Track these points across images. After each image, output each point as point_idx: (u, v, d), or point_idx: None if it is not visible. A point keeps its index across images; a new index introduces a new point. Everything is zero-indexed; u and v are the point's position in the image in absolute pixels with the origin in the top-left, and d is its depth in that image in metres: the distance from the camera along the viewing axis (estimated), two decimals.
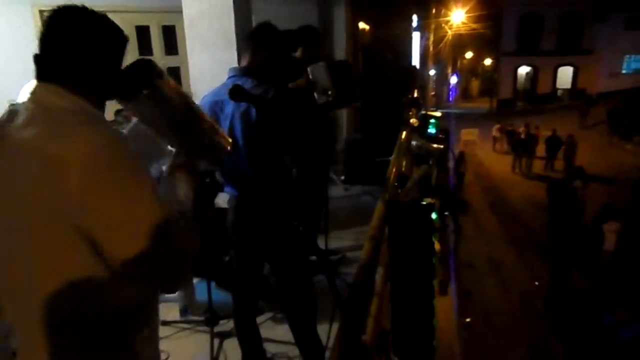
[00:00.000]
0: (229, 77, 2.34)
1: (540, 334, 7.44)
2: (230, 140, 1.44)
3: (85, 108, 1.12)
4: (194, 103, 1.36)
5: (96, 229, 1.02)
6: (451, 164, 13.25)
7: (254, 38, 2.42)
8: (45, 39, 1.14)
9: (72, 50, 1.14)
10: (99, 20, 1.19)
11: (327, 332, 2.20)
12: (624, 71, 31.16)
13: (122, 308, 1.13)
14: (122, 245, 1.03)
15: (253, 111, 2.18)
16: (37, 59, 1.14)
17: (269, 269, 2.61)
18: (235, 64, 3.94)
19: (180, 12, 4.02)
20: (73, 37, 1.14)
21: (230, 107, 2.26)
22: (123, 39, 1.25)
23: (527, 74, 33.37)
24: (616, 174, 14.72)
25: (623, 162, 16.60)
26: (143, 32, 5.79)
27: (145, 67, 1.22)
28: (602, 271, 8.46)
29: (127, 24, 5.49)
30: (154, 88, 1.19)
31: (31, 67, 1.15)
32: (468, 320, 6.95)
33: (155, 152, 1.49)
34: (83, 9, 1.17)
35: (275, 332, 3.00)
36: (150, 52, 5.93)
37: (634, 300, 6.90)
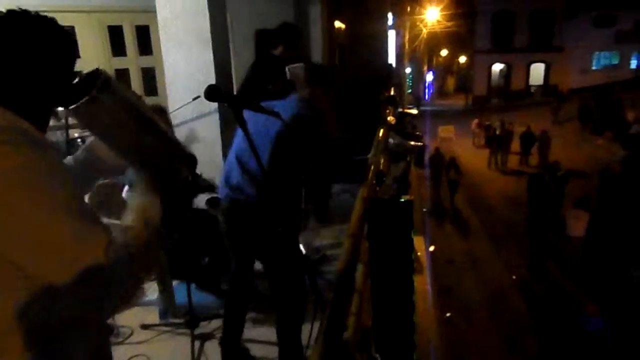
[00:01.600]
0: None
1: (517, 328, 7.58)
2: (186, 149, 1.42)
3: (12, 124, 1.03)
4: (149, 111, 1.30)
5: (13, 252, 0.97)
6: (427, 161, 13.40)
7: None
8: None
9: (10, 64, 1.06)
10: (39, 27, 1.10)
11: (308, 330, 2.21)
12: (593, 67, 31.96)
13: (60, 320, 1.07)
14: (47, 269, 0.98)
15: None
16: None
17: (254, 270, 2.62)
18: (212, 65, 3.93)
19: (155, 11, 3.96)
20: (6, 48, 1.05)
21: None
22: (73, 44, 1.16)
23: (501, 71, 33.92)
24: (588, 167, 15.08)
25: (595, 156, 17.00)
26: (116, 33, 5.69)
27: (88, 77, 1.15)
28: (570, 256, 8.68)
29: (99, 24, 5.41)
30: (93, 99, 1.12)
31: None
32: (448, 315, 7.04)
33: (109, 168, 1.43)
34: (27, 14, 1.08)
35: (257, 332, 2.99)
36: (124, 53, 5.83)
37: (602, 285, 7.10)
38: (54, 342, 1.08)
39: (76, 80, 1.17)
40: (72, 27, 4.68)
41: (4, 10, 1.08)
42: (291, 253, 2.46)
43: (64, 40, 1.13)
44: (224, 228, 2.50)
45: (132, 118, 1.21)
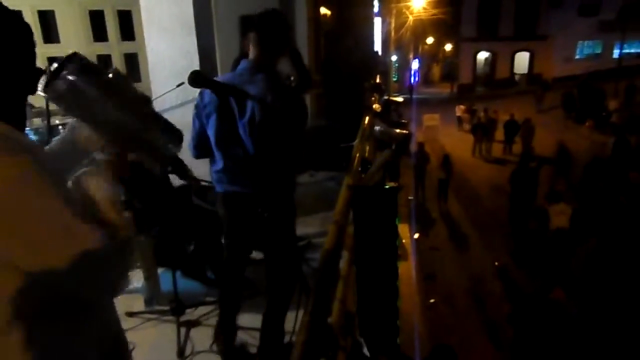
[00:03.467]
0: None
1: (499, 313, 7.72)
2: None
3: None
4: (132, 91, 1.32)
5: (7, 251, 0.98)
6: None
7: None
8: None
9: None
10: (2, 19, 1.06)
11: (294, 317, 2.23)
12: (577, 56, 32.29)
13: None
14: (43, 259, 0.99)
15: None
16: None
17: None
18: (195, 51, 3.89)
19: None
20: None
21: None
22: (30, 33, 1.12)
23: (486, 59, 34.07)
24: (571, 155, 15.32)
25: (577, 144, 17.26)
26: (97, 18, 5.60)
27: (65, 61, 1.16)
28: (550, 249, 8.82)
29: (80, 9, 5.30)
30: (67, 81, 1.14)
31: None
32: (432, 301, 7.14)
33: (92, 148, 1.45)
34: None
35: (240, 320, 3.00)
36: (105, 38, 5.74)
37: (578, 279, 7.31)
38: (57, 337, 1.09)
39: (55, 65, 1.16)
40: (52, 12, 4.58)
41: None
42: (288, 240, 2.47)
43: (19, 29, 1.09)
44: (223, 217, 2.47)
45: (110, 97, 1.22)
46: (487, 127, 17.89)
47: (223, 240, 2.75)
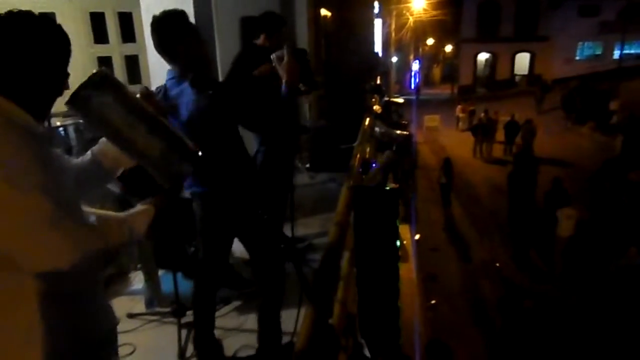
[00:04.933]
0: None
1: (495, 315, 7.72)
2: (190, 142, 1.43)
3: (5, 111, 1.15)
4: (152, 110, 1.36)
5: None
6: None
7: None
8: None
9: (12, 60, 1.17)
10: (40, 26, 1.20)
11: (294, 318, 2.22)
12: (577, 57, 32.24)
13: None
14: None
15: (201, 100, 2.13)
16: None
17: (236, 257, 2.60)
18: None
19: None
20: (14, 47, 1.16)
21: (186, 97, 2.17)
22: (65, 42, 1.26)
23: (486, 60, 34.05)
24: (572, 156, 15.31)
25: (579, 145, 17.26)
26: (98, 19, 5.59)
27: (92, 76, 1.24)
28: (560, 257, 8.79)
29: (80, 11, 5.30)
30: (87, 97, 1.20)
31: None
32: (433, 302, 7.13)
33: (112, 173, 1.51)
34: (23, 15, 1.18)
35: (240, 321, 3.00)
36: (106, 40, 5.73)
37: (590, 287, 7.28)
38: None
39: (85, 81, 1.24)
40: (53, 14, 4.58)
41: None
42: (270, 236, 2.47)
43: (57, 38, 1.23)
44: (199, 215, 2.44)
45: (132, 113, 1.27)
46: (487, 128, 17.88)
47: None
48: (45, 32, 1.21)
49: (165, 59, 2.23)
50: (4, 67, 1.17)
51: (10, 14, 1.17)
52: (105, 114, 1.23)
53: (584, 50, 32.37)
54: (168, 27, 2.13)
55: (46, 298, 1.18)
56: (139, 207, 1.38)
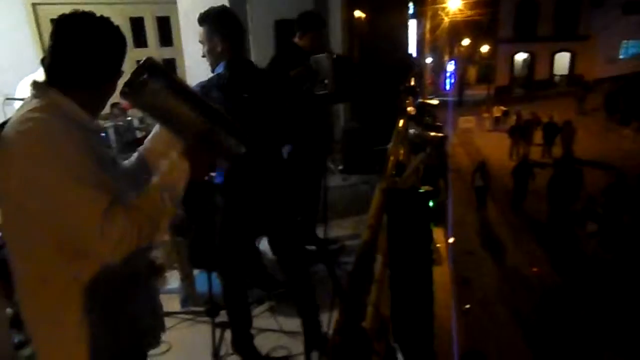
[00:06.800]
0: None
1: (534, 322, 7.51)
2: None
3: (55, 102, 1.23)
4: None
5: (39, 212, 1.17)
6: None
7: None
8: (51, 46, 1.25)
9: (73, 57, 1.25)
10: (101, 27, 1.28)
11: (327, 319, 2.22)
12: (621, 56, 31.01)
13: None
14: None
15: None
16: (43, 63, 1.27)
17: (270, 259, 2.62)
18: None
19: (175, 2, 3.99)
20: (76, 45, 1.24)
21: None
22: (122, 42, 1.33)
23: (524, 60, 33.23)
24: (614, 159, 14.74)
25: (621, 147, 16.61)
26: (137, 24, 5.74)
27: (140, 66, 1.28)
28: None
29: (120, 16, 5.45)
30: (141, 84, 1.25)
31: (26, 62, 1.23)
32: (467, 307, 7.00)
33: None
34: (85, 16, 1.26)
35: (273, 322, 3.01)
36: (145, 44, 5.88)
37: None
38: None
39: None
40: None
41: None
42: (304, 241, 2.47)
43: (115, 38, 1.31)
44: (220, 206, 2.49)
45: (181, 94, 1.33)
46: (524, 130, 17.43)
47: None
48: (105, 32, 1.28)
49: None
50: (66, 63, 1.25)
51: (73, 14, 1.24)
52: (159, 98, 1.29)
53: (629, 48, 31.10)
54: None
55: (90, 293, 1.24)
56: (166, 163, 1.33)
